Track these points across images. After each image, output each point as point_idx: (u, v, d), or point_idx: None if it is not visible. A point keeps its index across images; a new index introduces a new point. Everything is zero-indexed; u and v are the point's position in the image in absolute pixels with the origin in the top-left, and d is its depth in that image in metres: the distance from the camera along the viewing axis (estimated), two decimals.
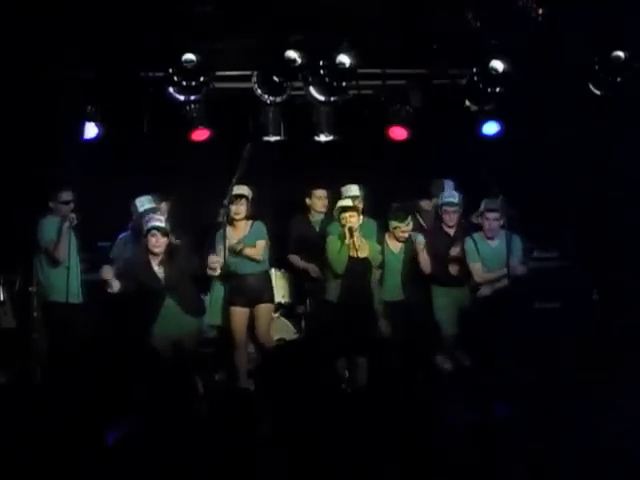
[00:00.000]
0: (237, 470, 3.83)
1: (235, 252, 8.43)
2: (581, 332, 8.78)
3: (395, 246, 8.74)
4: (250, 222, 8.62)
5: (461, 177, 9.14)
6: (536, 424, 6.71)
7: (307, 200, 9.22)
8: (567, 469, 5.33)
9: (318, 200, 9.16)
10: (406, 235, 8.68)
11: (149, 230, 7.98)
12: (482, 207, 8.75)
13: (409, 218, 8.67)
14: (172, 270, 8.02)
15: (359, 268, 8.38)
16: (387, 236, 8.73)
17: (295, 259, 9.23)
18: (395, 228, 8.65)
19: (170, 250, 8.06)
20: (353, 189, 8.90)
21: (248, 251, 8.52)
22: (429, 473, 3.99)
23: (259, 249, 8.58)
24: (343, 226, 8.35)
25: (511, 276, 8.48)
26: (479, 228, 8.83)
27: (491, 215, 8.65)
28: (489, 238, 8.71)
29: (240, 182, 8.46)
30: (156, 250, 7.99)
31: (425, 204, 9.37)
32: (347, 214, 8.34)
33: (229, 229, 8.49)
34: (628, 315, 8.87)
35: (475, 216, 8.92)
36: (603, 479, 5.19)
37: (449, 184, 9.21)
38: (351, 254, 8.31)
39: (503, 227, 8.61)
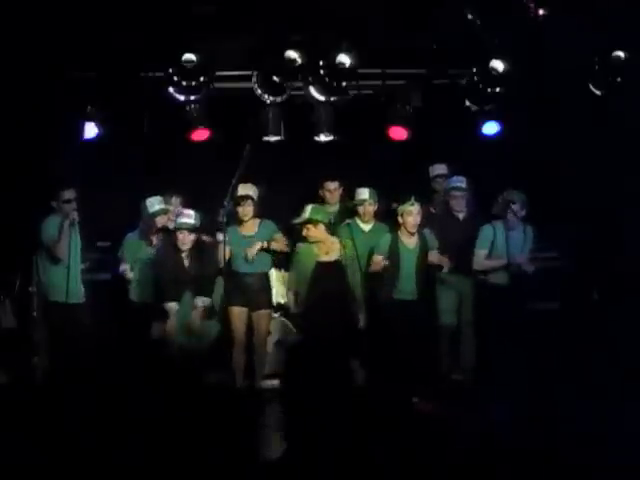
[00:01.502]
0: (238, 469, 3.84)
1: (251, 258, 8.49)
2: (581, 332, 8.78)
3: (409, 242, 8.57)
4: (258, 220, 8.66)
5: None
6: (536, 424, 6.71)
7: (320, 192, 9.22)
8: (567, 468, 5.34)
9: (329, 192, 9.15)
10: (412, 220, 8.48)
11: (178, 228, 8.17)
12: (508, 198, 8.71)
13: (412, 198, 8.58)
14: (199, 263, 8.21)
15: (330, 272, 8.39)
16: (400, 233, 8.58)
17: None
18: (402, 215, 8.53)
19: (198, 246, 8.22)
20: (362, 193, 8.90)
21: (275, 244, 8.59)
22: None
23: (281, 241, 8.64)
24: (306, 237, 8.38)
25: (514, 268, 8.54)
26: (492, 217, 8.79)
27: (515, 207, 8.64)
28: (510, 229, 8.64)
29: (245, 180, 8.48)
30: (184, 247, 8.19)
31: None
32: (305, 228, 8.36)
33: (237, 228, 8.54)
34: (628, 315, 8.87)
35: (497, 207, 8.84)
36: (603, 478, 5.19)
37: (442, 167, 9.23)
38: (321, 259, 8.38)
39: (524, 220, 8.65)
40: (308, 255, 8.41)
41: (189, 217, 8.18)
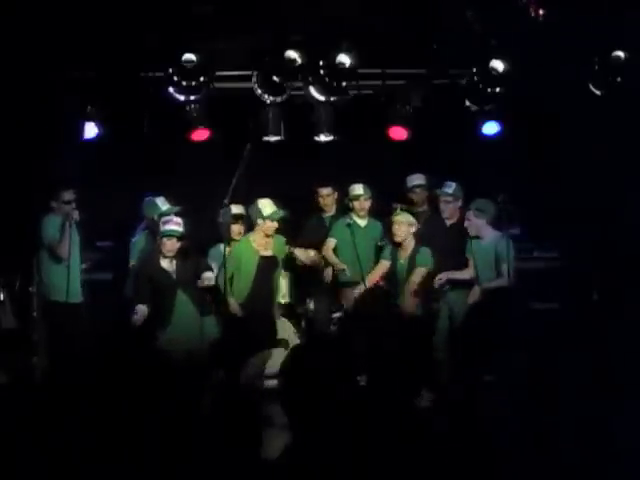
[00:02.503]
0: (239, 469, 3.84)
1: None
2: (581, 332, 8.78)
3: (401, 255, 8.63)
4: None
5: (461, 177, 9.13)
6: (535, 423, 6.72)
7: (316, 198, 9.23)
8: (566, 468, 5.34)
9: (321, 198, 9.15)
10: (395, 229, 8.49)
11: (166, 234, 8.04)
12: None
13: (398, 208, 8.64)
14: (183, 266, 8.10)
15: (272, 265, 8.51)
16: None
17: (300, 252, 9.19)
18: (393, 223, 8.55)
19: (180, 251, 8.11)
20: (356, 188, 8.90)
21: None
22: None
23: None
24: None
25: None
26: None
27: (468, 214, 8.60)
28: (474, 237, 8.58)
29: (235, 201, 8.49)
30: (169, 254, 8.09)
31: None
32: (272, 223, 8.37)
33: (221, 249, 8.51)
34: (628, 315, 8.87)
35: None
36: (602, 477, 5.20)
37: (419, 177, 9.16)
38: (262, 254, 8.44)
39: (497, 228, 8.53)
40: (249, 249, 8.44)
41: (177, 225, 8.09)
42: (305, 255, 8.74)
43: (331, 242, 8.92)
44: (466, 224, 8.58)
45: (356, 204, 8.90)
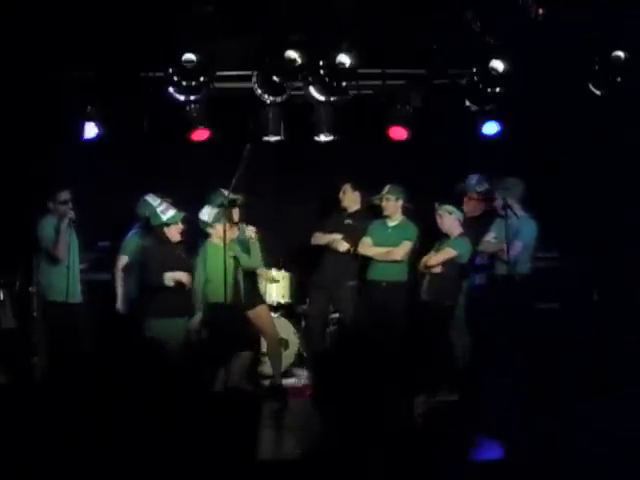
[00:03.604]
0: (236, 469, 3.83)
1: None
2: (581, 332, 8.78)
3: None
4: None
5: (461, 177, 9.14)
6: (535, 424, 6.71)
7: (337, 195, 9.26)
8: (567, 469, 5.34)
9: (340, 197, 9.18)
10: (440, 220, 8.67)
11: (171, 222, 7.96)
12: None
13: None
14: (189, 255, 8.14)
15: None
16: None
17: (318, 236, 9.17)
18: (452, 213, 8.66)
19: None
20: (383, 189, 8.93)
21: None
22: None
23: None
24: None
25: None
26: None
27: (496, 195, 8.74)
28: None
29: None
30: (175, 239, 8.00)
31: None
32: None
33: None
34: (628, 315, 8.87)
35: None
36: (602, 477, 5.20)
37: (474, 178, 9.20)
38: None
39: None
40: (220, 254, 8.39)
41: (175, 209, 8.05)
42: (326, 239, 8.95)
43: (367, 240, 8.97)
44: (495, 204, 8.67)
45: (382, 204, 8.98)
